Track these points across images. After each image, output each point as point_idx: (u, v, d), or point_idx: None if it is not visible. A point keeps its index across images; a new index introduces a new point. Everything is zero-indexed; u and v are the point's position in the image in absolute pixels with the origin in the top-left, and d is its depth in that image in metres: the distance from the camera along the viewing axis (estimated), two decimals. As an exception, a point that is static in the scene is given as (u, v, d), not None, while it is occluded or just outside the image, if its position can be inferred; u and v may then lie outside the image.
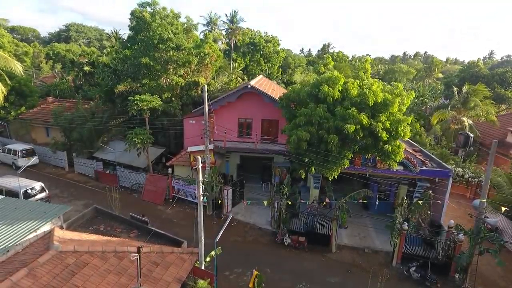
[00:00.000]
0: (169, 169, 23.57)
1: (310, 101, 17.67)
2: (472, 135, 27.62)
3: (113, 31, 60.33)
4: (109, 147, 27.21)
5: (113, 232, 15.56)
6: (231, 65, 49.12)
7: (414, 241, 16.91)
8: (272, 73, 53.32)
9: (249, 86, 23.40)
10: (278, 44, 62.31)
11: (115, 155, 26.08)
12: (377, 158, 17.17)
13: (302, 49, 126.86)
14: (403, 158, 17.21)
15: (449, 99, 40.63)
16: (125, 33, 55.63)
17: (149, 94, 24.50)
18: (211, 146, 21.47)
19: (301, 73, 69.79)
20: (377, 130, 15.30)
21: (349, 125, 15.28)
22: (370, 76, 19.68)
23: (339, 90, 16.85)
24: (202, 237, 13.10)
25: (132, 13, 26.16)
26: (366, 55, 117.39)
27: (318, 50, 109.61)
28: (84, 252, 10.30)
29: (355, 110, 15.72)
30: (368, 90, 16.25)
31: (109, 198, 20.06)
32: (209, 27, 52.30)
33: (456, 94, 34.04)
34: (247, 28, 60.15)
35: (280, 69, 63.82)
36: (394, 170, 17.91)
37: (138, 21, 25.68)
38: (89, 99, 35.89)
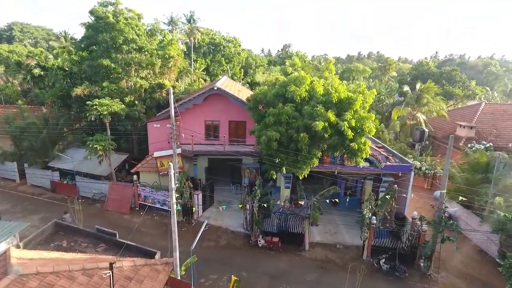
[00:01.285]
0: (134, 176, 22.53)
1: (278, 101, 17.80)
2: (427, 130, 29.53)
3: (61, 31, 56.64)
4: (66, 156, 25.43)
5: (77, 247, 14.52)
6: (192, 66, 48.28)
7: (382, 234, 17.67)
8: (235, 74, 53.18)
9: (215, 88, 23.06)
10: (240, 45, 62.47)
11: (73, 163, 24.42)
12: (345, 155, 17.69)
13: (263, 49, 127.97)
14: (368, 155, 17.91)
15: (403, 97, 43.15)
16: (74, 33, 52.49)
17: (110, 98, 23.26)
18: (178, 151, 20.85)
19: (263, 73, 70.38)
20: (343, 128, 15.75)
21: (317, 122, 15.56)
22: (334, 76, 20.26)
23: (306, 90, 17.15)
24: (177, 247, 12.64)
25: (92, 12, 24.66)
26: (324, 55, 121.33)
27: (278, 50, 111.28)
28: (48, 273, 9.43)
29: (322, 108, 16.09)
30: (332, 88, 16.70)
31: (71, 212, 18.74)
32: (170, 27, 50.93)
33: (410, 92, 36.20)
34: (206, 28, 59.49)
35: (242, 70, 63.95)
36: (361, 166, 18.58)
37: (99, 20, 24.26)
38: (40, 103, 33.34)
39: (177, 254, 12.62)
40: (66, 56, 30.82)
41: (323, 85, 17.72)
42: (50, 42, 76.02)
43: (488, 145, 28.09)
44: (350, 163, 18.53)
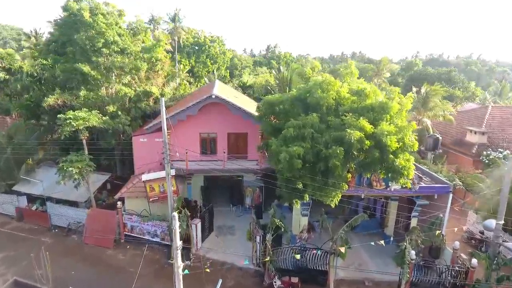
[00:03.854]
0: (118, 203, 18.89)
1: (298, 110, 14.69)
2: (440, 137, 27.33)
3: (32, 31, 51.57)
4: (36, 178, 21.47)
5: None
6: (177, 67, 44.67)
7: (420, 269, 14.96)
8: (225, 76, 49.96)
9: (213, 96, 19.79)
10: (224, 44, 59.44)
11: (43, 187, 20.52)
12: (381, 175, 14.66)
13: (245, 49, 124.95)
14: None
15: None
16: (44, 32, 47.86)
17: (87, 108, 19.56)
18: (172, 172, 17.47)
19: (249, 74, 67.45)
20: (384, 139, 12.76)
21: (352, 131, 12.59)
22: (358, 80, 17.45)
23: (333, 97, 14.18)
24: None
25: (65, 8, 20.83)
26: (306, 55, 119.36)
27: (261, 51, 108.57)
28: None
29: (353, 116, 13.18)
30: (363, 93, 13.86)
31: (43, 256, 14.92)
32: (152, 26, 47.07)
33: (415, 95, 34.01)
34: (189, 28, 56.03)
35: (228, 71, 60.83)
36: (392, 190, 15.83)
37: (74, 18, 20.49)
38: (5, 112, 29.00)
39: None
40: (36, 59, 26.70)
41: (349, 92, 14.82)
42: (22, 42, 70.14)
43: (505, 152, 26.09)
44: (380, 185, 15.74)
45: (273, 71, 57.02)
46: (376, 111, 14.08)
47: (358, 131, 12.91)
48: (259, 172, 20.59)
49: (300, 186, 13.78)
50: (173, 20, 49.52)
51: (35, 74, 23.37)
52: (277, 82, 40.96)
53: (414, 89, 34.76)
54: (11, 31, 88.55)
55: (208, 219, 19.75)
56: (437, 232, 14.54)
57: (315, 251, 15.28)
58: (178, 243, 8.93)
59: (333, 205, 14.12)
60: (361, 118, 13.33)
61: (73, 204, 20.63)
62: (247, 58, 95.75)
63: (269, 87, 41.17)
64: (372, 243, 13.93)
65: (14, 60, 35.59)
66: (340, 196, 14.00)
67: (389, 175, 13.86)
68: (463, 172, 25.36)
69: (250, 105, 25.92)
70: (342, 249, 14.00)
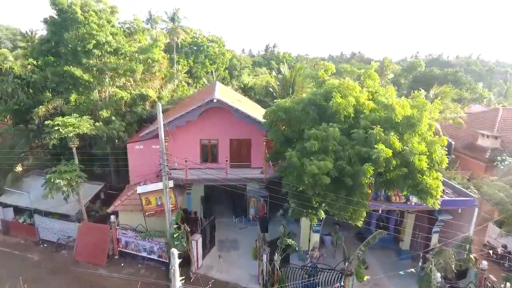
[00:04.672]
0: (112, 217, 17.36)
1: (312, 118, 13.17)
2: (453, 142, 25.99)
3: (28, 31, 49.96)
4: (23, 188, 19.93)
5: None
6: (175, 68, 43.17)
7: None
8: (225, 77, 48.52)
9: (214, 100, 18.31)
10: (224, 45, 58.09)
11: (30, 198, 18.99)
12: (405, 192, 13.28)
13: (243, 49, 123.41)
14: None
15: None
16: (37, 30, 46.35)
17: (78, 114, 18.05)
18: (170, 184, 15.99)
19: (248, 74, 66.02)
20: (412, 158, 11.38)
21: (382, 148, 11.17)
22: (378, 85, 15.99)
23: (352, 105, 12.71)
24: None
25: (54, 3, 19.24)
26: (305, 55, 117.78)
27: (259, 51, 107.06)
28: None
29: (381, 130, 11.71)
30: (389, 102, 12.42)
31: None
32: (149, 25, 45.59)
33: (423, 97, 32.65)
34: (188, 27, 54.58)
35: (227, 71, 59.46)
36: (413, 204, 14.42)
37: (64, 15, 18.96)
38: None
39: None
40: (26, 61, 25.12)
41: (371, 98, 13.40)
42: (18, 42, 68.27)
43: (522, 158, 24.76)
44: (399, 199, 14.33)
45: (274, 72, 55.70)
46: (403, 124, 12.62)
47: (386, 147, 11.45)
48: (264, 182, 19.17)
49: (316, 202, 12.29)
50: (172, 19, 48.11)
51: (24, 77, 21.85)
52: (278, 83, 39.57)
53: (423, 91, 33.43)
54: (6, 31, 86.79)
55: (209, 233, 18.27)
56: (470, 257, 13.10)
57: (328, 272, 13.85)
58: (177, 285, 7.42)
59: (359, 225, 12.65)
60: (391, 133, 11.89)
61: (64, 216, 19.10)
62: (246, 58, 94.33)
63: (270, 89, 39.76)
64: (402, 272, 12.50)
65: (6, 61, 34.09)
66: (364, 214, 12.52)
67: (416, 195, 12.41)
68: (478, 179, 24.00)
69: (253, 109, 24.47)
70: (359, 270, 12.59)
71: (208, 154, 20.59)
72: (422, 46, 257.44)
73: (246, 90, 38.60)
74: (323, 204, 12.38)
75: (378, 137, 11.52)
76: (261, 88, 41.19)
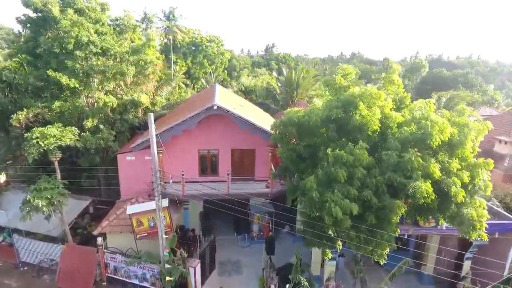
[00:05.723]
0: (99, 239, 15.36)
1: (330, 133, 11.22)
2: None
3: (21, 30, 47.83)
4: (2, 203, 18.01)
5: None
6: (172, 68, 41.21)
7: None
8: (225, 78, 46.61)
9: (215, 107, 16.37)
10: (222, 45, 56.26)
11: (8, 217, 17.00)
12: (441, 222, 11.40)
13: (242, 49, 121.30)
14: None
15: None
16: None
17: (62, 123, 16.07)
18: (165, 203, 14.05)
19: (248, 75, 64.07)
20: (450, 189, 9.55)
21: (421, 184, 9.23)
22: (402, 92, 14.08)
23: (378, 118, 10.77)
24: None
25: (27, 4, 17.33)
26: (304, 55, 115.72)
27: (258, 51, 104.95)
28: None
29: (419, 156, 9.78)
30: (425, 118, 10.52)
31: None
32: (144, 24, 43.60)
33: (436, 102, 30.83)
34: (185, 27, 52.65)
35: (226, 71, 57.64)
36: (444, 228, 12.55)
37: (40, 14, 17.04)
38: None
39: None
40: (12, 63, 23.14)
41: (395, 108, 11.54)
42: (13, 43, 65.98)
43: (546, 167, 22.93)
44: (429, 223, 12.46)
45: (274, 73, 53.81)
46: (441, 146, 10.73)
47: (423, 176, 9.59)
48: (269, 197, 17.29)
49: (333, 231, 10.34)
50: (168, 18, 46.19)
51: (5, 78, 19.84)
52: (280, 84, 37.71)
53: (435, 95, 31.62)
54: (0, 31, 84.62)
55: (209, 255, 16.35)
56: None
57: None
58: None
59: (382, 263, 10.71)
60: (431, 160, 9.98)
61: (48, 236, 17.12)
62: (245, 58, 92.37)
63: (272, 90, 37.91)
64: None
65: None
66: (388, 250, 10.56)
67: (457, 227, 10.49)
68: (501, 190, 22.14)
69: (256, 114, 22.59)
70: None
71: (208, 165, 18.70)
72: (421, 46, 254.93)
73: (247, 93, 36.66)
74: (341, 236, 10.45)
75: (416, 165, 9.59)
76: (262, 89, 39.41)
